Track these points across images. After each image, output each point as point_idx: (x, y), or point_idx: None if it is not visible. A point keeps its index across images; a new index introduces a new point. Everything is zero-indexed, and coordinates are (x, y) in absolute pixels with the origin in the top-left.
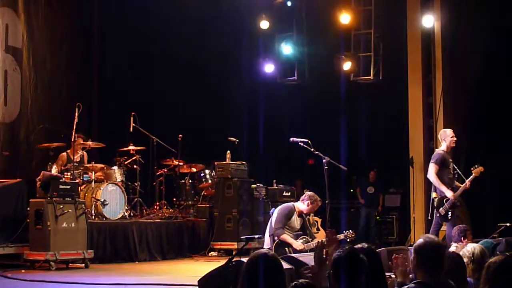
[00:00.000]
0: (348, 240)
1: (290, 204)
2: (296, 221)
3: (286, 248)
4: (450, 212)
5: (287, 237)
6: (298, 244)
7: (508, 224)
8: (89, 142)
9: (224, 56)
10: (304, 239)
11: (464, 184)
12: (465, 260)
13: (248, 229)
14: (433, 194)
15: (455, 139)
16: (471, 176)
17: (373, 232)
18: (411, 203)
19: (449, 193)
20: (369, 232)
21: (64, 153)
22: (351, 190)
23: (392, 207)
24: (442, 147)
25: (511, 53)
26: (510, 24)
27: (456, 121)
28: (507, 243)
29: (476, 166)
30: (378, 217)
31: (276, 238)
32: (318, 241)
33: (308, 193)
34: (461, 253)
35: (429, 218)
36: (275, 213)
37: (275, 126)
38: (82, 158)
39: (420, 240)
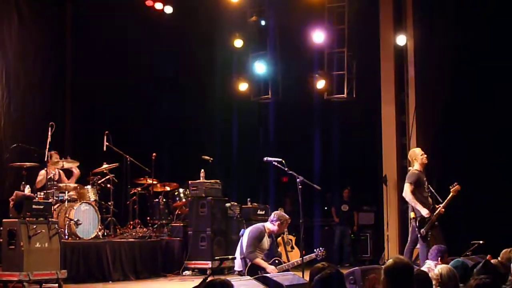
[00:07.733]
0: (319, 258)
1: (260, 225)
2: (266, 242)
3: (259, 271)
4: (429, 233)
5: (260, 261)
6: (271, 268)
7: (481, 242)
8: (64, 162)
9: (198, 75)
10: (277, 261)
11: (438, 209)
12: (433, 282)
13: (222, 248)
14: (411, 214)
15: (426, 155)
16: (449, 196)
17: (348, 250)
18: (385, 221)
19: (424, 211)
20: (343, 250)
21: (44, 171)
22: (325, 208)
23: (366, 225)
24: (416, 167)
25: (480, 72)
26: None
27: (429, 139)
28: (484, 265)
29: (454, 184)
30: (352, 235)
31: (248, 261)
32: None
33: (276, 212)
34: (430, 275)
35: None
36: (246, 235)
37: (249, 144)
38: (60, 175)
39: (389, 261)
